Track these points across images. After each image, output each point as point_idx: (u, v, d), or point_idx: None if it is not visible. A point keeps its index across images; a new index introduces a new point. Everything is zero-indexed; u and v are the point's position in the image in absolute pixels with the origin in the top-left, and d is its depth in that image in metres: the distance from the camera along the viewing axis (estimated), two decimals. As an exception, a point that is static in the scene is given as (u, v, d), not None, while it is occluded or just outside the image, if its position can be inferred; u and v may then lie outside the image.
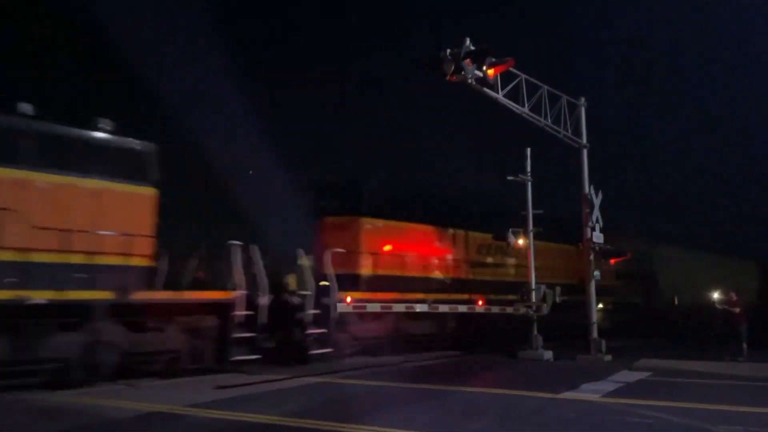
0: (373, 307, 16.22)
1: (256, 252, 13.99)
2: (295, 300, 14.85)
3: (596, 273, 17.05)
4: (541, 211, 18.33)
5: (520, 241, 18.33)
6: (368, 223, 17.19)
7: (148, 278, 12.33)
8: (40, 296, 10.49)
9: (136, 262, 12.00)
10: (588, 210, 17.22)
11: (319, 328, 14.84)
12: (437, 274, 18.92)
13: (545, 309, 17.75)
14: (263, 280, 13.90)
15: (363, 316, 16.24)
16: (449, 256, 19.53)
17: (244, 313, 13.27)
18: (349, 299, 15.57)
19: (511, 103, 14.92)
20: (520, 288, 18.04)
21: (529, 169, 17.97)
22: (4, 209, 10.35)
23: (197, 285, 13.69)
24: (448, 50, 12.68)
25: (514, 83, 14.83)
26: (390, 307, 16.58)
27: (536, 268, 18.03)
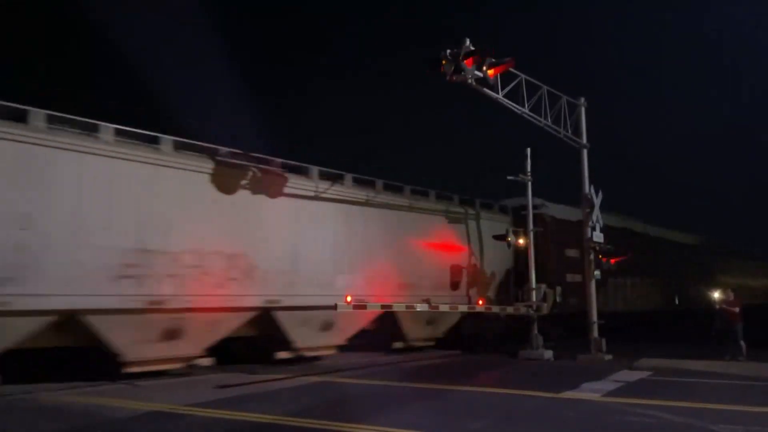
0: (374, 307, 16.18)
1: None
2: None
3: (596, 273, 17.07)
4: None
5: (521, 241, 18.32)
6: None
7: None
8: None
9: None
10: (588, 210, 17.23)
11: None
12: None
13: (545, 309, 17.78)
14: None
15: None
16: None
17: None
18: (349, 298, 15.52)
19: (511, 103, 14.92)
20: None
21: (529, 168, 17.97)
22: None
23: None
24: (448, 51, 12.69)
25: (514, 83, 14.84)
26: (390, 306, 16.53)
27: None
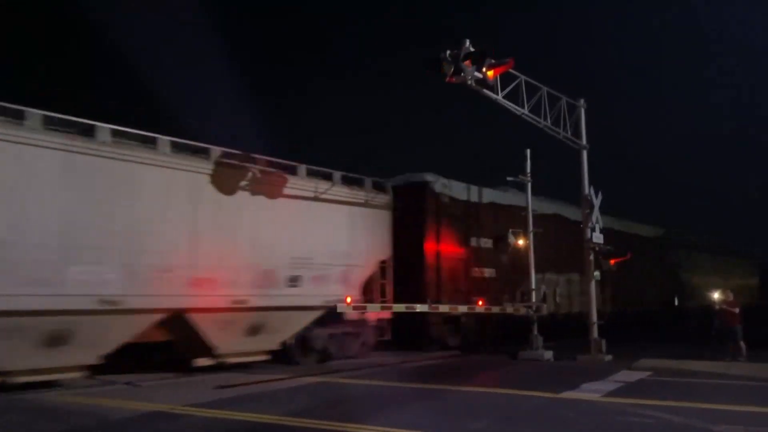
0: (374, 308, 16.18)
1: None
2: None
3: (596, 273, 17.07)
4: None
5: (520, 242, 18.32)
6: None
7: None
8: None
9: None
10: (588, 211, 17.25)
11: None
12: None
13: (545, 309, 17.79)
14: None
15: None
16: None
17: None
18: (349, 299, 15.53)
19: (510, 104, 14.93)
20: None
21: (529, 169, 17.98)
22: None
23: None
24: (448, 51, 12.70)
25: (513, 84, 14.85)
26: (390, 307, 16.53)
27: None
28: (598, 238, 17.26)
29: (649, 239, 30.48)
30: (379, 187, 17.27)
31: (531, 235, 18.02)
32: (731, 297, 16.58)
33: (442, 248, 18.12)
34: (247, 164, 14.05)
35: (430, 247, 18.23)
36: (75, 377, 11.52)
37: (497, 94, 14.42)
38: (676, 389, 11.55)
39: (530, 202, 18.04)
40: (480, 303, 18.43)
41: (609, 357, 16.20)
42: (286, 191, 14.68)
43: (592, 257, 17.10)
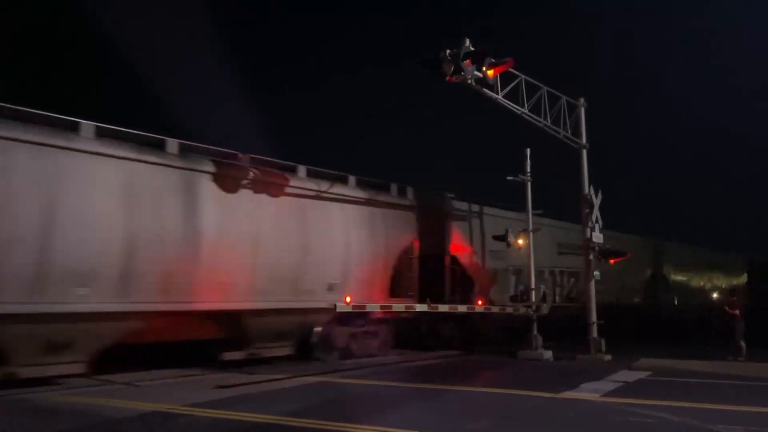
0: (373, 308, 16.18)
1: None
2: None
3: (596, 273, 17.08)
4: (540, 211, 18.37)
5: (520, 241, 18.33)
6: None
7: None
8: None
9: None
10: (588, 210, 17.24)
11: None
12: None
13: (545, 309, 17.79)
14: None
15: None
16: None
17: None
18: (348, 299, 15.53)
19: (510, 103, 14.94)
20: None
21: (528, 169, 17.98)
22: None
23: None
24: (448, 51, 12.69)
25: (513, 84, 14.86)
26: (390, 307, 16.52)
27: None
28: (597, 237, 17.26)
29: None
30: None
31: (531, 235, 18.04)
32: (734, 298, 16.61)
33: None
34: None
35: None
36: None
37: (497, 94, 14.42)
38: (675, 389, 11.56)
39: (530, 202, 18.05)
40: (480, 303, 18.48)
41: (608, 357, 16.21)
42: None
43: (591, 257, 17.10)
